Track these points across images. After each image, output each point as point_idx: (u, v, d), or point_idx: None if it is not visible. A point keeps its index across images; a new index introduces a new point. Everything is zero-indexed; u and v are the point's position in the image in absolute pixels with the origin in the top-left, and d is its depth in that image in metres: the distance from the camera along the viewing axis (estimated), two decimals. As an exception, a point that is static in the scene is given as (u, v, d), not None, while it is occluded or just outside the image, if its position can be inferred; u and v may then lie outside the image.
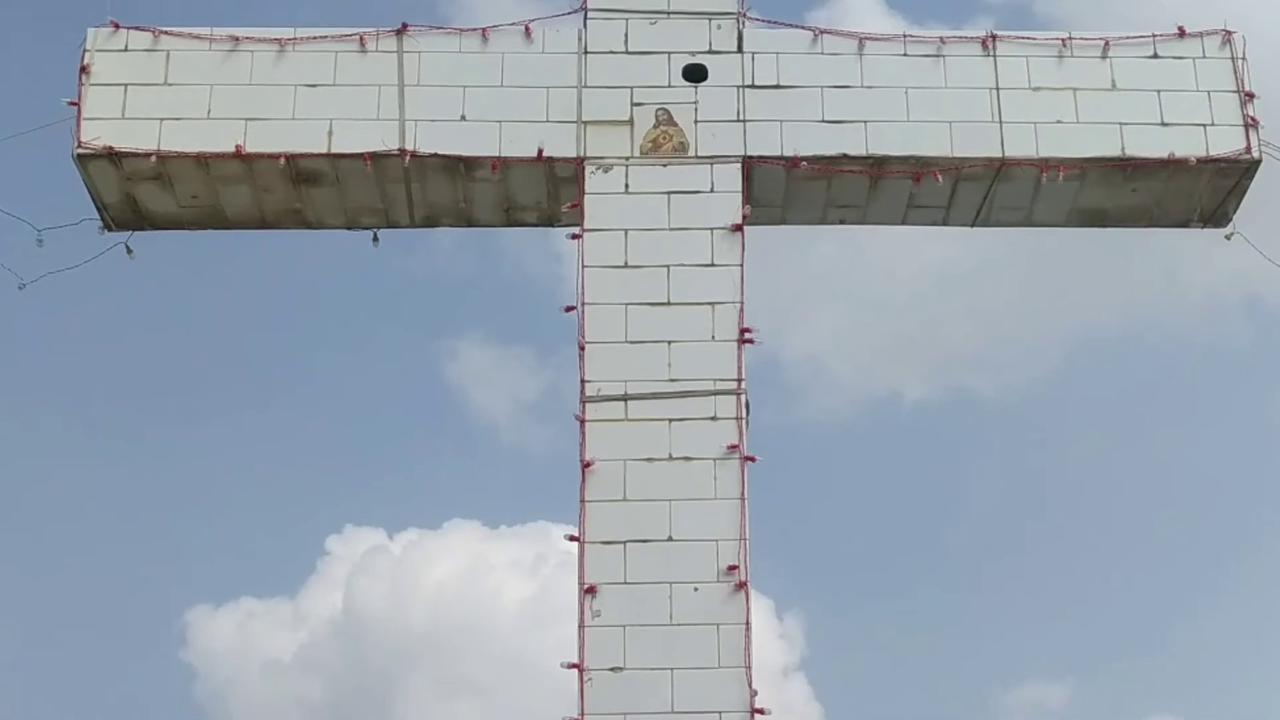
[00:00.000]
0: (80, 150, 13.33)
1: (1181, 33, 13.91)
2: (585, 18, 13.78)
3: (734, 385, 12.78)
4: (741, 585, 12.17)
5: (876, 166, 13.54)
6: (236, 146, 13.34)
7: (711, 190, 13.27)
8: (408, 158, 13.38)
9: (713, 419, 12.67)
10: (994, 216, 14.09)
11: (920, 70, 13.76)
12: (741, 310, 12.98)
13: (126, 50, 13.60)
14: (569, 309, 13.05)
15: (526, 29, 13.73)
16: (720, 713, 11.83)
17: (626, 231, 13.13)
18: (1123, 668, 35.34)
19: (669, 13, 13.76)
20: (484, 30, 13.76)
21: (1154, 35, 13.91)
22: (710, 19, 13.75)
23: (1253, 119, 13.63)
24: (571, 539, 12.41)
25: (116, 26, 13.68)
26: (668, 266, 13.03)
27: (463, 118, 13.51)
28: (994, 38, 13.87)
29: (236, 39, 13.63)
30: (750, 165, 13.38)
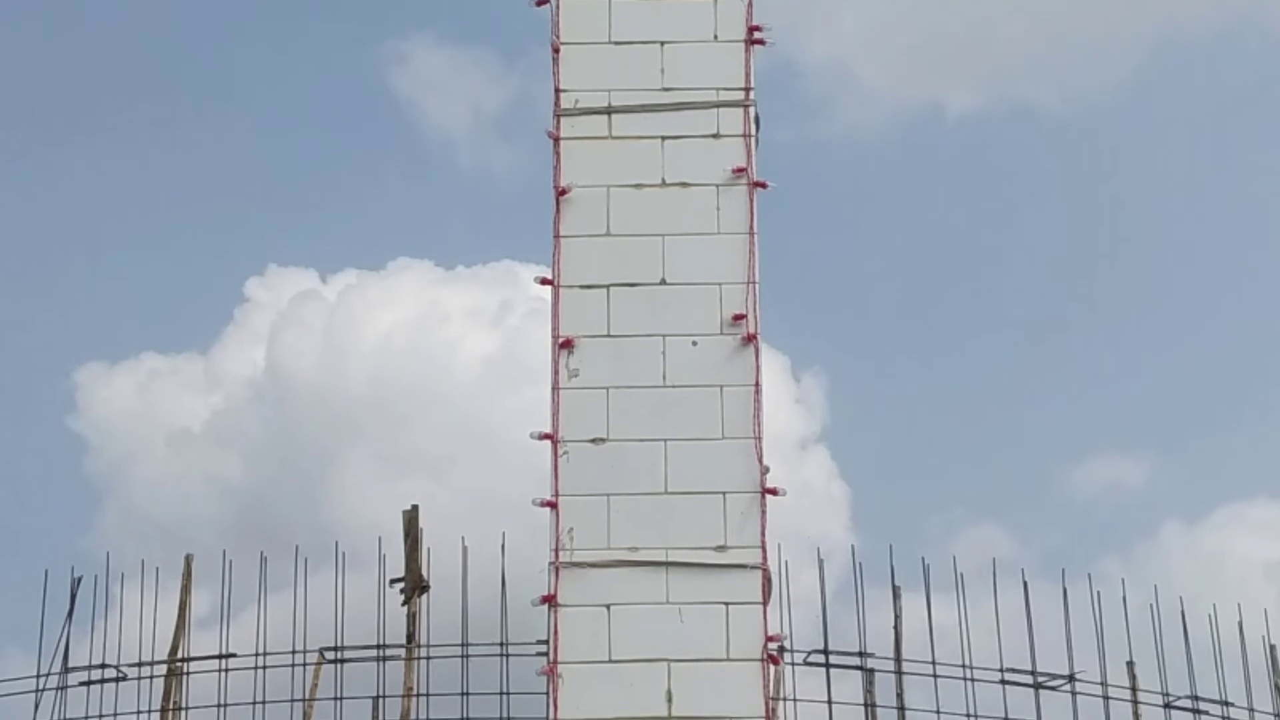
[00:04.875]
0: None
1: None
2: None
3: (741, 95, 12.78)
4: (750, 338, 12.31)
5: None
6: None
7: None
8: None
9: (715, 137, 12.70)
10: (1064, -114, 13.95)
11: None
12: (750, 3, 12.93)
13: None
14: (540, 2, 13.00)
15: None
16: (724, 493, 12.04)
17: (610, -95, 13.01)
18: (1214, 440, 35.83)
19: None
20: None
21: None
22: None
23: None
24: (544, 282, 12.51)
25: None
26: (661, -52, 12.95)
27: None
28: None
29: None
30: None
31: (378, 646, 17.31)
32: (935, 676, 17.35)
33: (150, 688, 17.49)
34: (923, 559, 17.79)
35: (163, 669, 17.59)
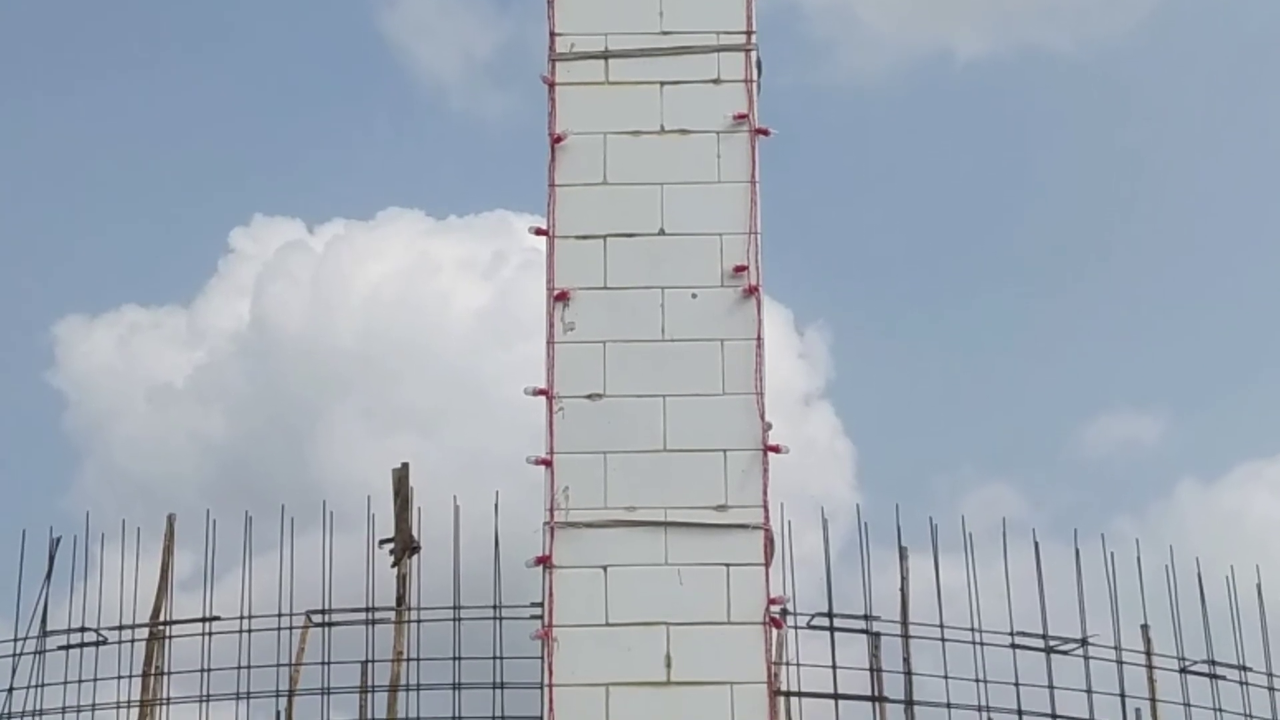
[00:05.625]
0: None
1: None
2: None
3: (742, 39, 12.78)
4: (751, 290, 12.32)
5: None
6: None
7: None
8: None
9: (715, 82, 12.69)
10: None
11: None
12: (753, -57, 12.93)
13: None
14: (533, -59, 13.00)
15: None
16: (725, 450, 12.06)
17: None
18: (1232, 396, 35.84)
19: None
20: None
21: None
22: None
23: None
24: (538, 232, 12.52)
25: None
26: (659, -116, 12.93)
27: None
28: None
29: None
30: None
31: (366, 609, 17.32)
32: (943, 640, 17.35)
33: (131, 652, 17.51)
34: (930, 519, 17.76)
35: (144, 632, 17.59)
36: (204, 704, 17.20)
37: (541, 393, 12.17)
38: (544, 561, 11.87)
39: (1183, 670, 18.12)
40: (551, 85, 12.69)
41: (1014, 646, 17.48)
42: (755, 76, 12.72)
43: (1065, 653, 17.70)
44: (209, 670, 17.30)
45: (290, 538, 17.26)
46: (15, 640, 17.55)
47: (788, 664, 16.85)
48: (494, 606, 17.06)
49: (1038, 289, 37.33)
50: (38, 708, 17.35)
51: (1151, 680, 18.12)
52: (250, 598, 17.29)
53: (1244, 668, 18.30)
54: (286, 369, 33.42)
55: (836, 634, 17.45)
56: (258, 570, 17.41)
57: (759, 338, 12.23)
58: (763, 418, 12.09)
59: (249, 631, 17.25)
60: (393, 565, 17.55)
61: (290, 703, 17.21)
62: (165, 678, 17.57)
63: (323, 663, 17.22)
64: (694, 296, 12.29)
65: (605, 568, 11.83)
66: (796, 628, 17.15)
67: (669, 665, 11.65)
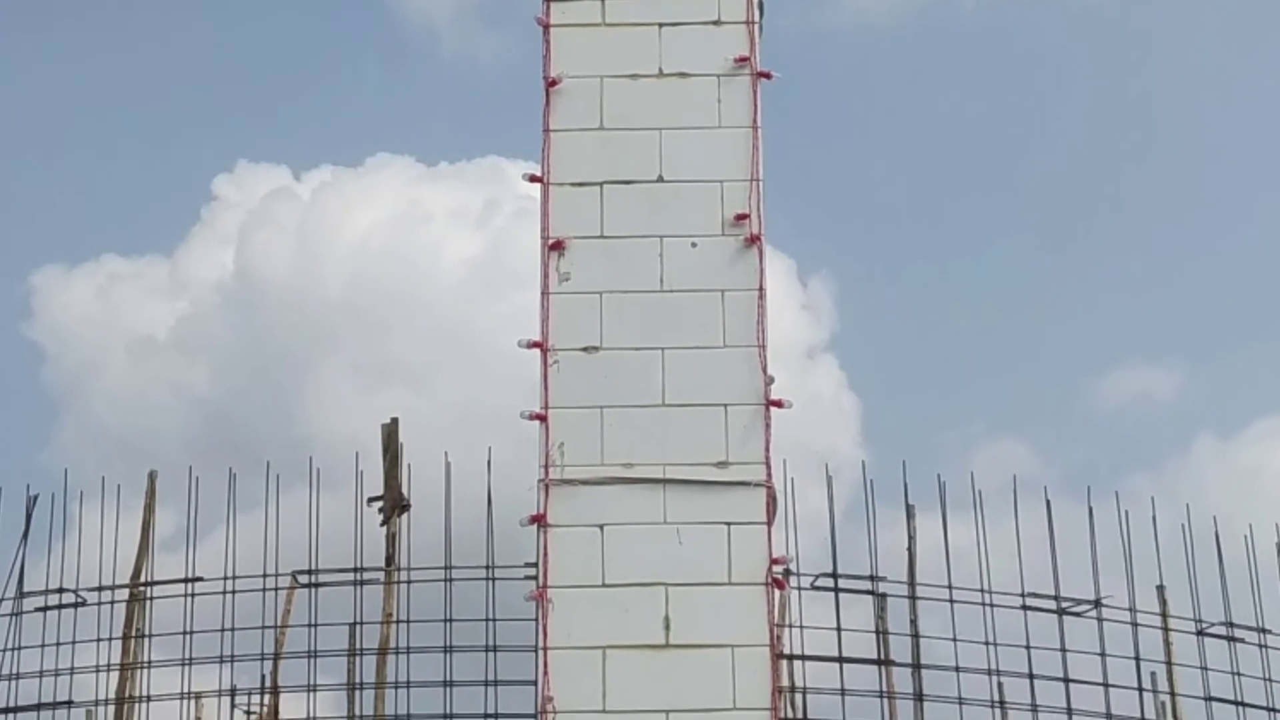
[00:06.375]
0: None
1: None
2: None
3: (745, -23, 12.73)
4: (753, 239, 12.28)
5: None
6: None
7: None
8: None
9: (716, 24, 12.64)
10: None
11: None
12: (755, -123, 12.85)
13: None
14: (527, -125, 12.91)
15: None
16: (725, 405, 12.03)
17: None
18: (1249, 348, 35.86)
19: None
20: None
21: None
22: None
23: None
24: (532, 179, 12.48)
25: None
26: None
27: None
28: None
29: None
30: None
31: (354, 569, 17.34)
32: (952, 601, 17.40)
33: (111, 613, 17.55)
34: (938, 476, 17.80)
35: (124, 594, 17.62)
36: (186, 667, 17.23)
37: (536, 345, 12.13)
38: (538, 520, 11.84)
39: (1199, 632, 18.14)
40: (546, 27, 12.63)
41: (1025, 608, 17.51)
42: (757, 17, 12.67)
43: (1078, 614, 17.73)
44: (191, 632, 17.33)
45: (276, 495, 17.28)
46: (-10, 602, 17.57)
47: (791, 626, 16.90)
48: (486, 567, 17.08)
49: (1049, 238, 37.34)
50: (14, 671, 17.39)
51: (1167, 643, 18.15)
52: (234, 557, 17.32)
53: (1263, 630, 18.32)
54: (272, 320, 33.46)
55: (841, 595, 17.49)
56: (242, 529, 17.43)
57: (761, 288, 12.19)
58: (765, 371, 12.05)
59: (233, 593, 17.28)
60: (382, 524, 17.57)
61: (275, 666, 17.25)
62: (146, 640, 17.60)
63: (309, 625, 17.26)
64: (694, 246, 12.24)
65: (602, 526, 11.80)
66: (800, 589, 17.21)
67: (668, 627, 11.62)
